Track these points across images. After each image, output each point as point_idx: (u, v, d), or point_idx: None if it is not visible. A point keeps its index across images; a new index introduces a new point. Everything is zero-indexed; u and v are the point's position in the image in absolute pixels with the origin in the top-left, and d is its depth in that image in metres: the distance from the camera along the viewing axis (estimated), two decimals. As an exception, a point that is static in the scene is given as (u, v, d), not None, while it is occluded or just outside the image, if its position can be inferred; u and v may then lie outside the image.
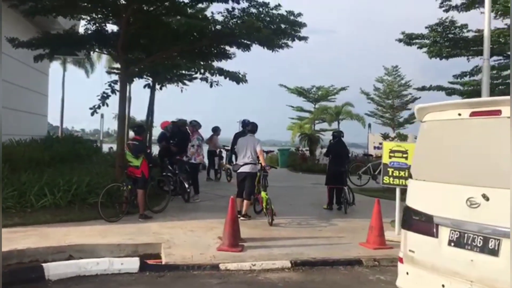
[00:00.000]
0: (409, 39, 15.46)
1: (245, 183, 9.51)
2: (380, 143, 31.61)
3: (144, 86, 17.26)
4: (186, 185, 11.06)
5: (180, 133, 12.30)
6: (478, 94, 16.41)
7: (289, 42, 10.99)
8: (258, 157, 9.47)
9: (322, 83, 38.53)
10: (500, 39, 14.85)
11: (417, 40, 15.91)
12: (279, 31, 10.25)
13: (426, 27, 14.77)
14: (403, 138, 27.04)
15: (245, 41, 10.77)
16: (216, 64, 14.84)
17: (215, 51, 11.77)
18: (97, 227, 8.10)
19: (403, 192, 8.89)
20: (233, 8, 9.72)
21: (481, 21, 15.92)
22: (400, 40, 16.37)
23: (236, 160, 9.91)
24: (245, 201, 9.58)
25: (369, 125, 34.44)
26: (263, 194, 9.39)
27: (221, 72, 14.20)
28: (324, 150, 28.99)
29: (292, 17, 9.99)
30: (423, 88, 16.64)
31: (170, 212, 9.90)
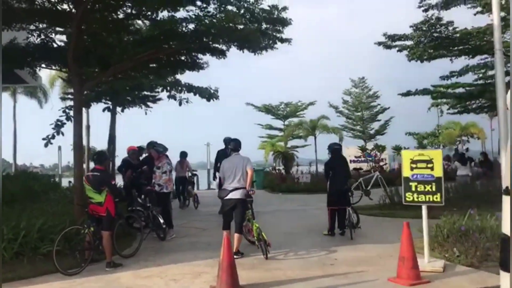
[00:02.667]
0: (391, 41, 14.41)
1: (235, 212, 7.93)
2: (358, 157, 30.73)
3: (104, 110, 15.47)
4: (161, 220, 9.27)
5: (150, 159, 10.53)
6: (471, 96, 15.63)
7: (275, 44, 9.55)
8: None
9: (289, 99, 37.11)
10: (487, 37, 14.02)
11: (398, 42, 14.90)
12: (259, 32, 8.80)
13: (410, 26, 13.77)
14: (381, 149, 26.12)
15: (222, 46, 9.26)
16: (183, 80, 13.36)
17: (185, 59, 10.18)
18: (53, 285, 6.37)
19: (430, 209, 7.62)
20: (208, 3, 8.15)
21: (462, 19, 15.29)
22: (380, 43, 15.34)
23: (218, 182, 8.39)
24: (236, 235, 7.95)
25: (340, 139, 33.40)
26: (253, 223, 7.98)
27: (190, 88, 12.65)
28: (301, 168, 28.02)
29: (276, 13, 8.57)
30: (407, 93, 15.63)
31: (144, 255, 8.10)
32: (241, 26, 8.37)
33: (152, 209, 9.43)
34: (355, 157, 29.93)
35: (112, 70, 9.47)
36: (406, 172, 6.73)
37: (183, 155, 15.12)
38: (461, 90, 15.68)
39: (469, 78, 15.44)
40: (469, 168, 15.84)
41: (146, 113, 17.63)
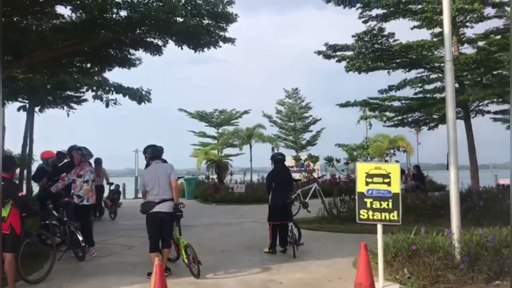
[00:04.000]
0: (333, 51, 14.10)
1: (164, 227, 7.04)
2: (290, 167, 30.49)
3: (19, 109, 13.68)
4: (80, 237, 8.00)
5: (70, 167, 9.16)
6: (410, 109, 15.67)
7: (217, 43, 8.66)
8: None
9: (223, 107, 36.30)
10: (424, 52, 14.15)
11: (338, 53, 14.65)
12: (200, 27, 7.89)
13: (353, 36, 13.54)
14: (314, 159, 26.02)
15: (157, 40, 8.21)
16: (112, 80, 12.08)
17: (114, 53, 9.00)
18: None
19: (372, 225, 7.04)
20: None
21: (401, 32, 15.35)
22: (319, 53, 15.00)
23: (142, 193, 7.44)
24: (165, 251, 7.11)
25: (272, 149, 33.03)
26: (179, 240, 7.24)
27: (119, 88, 11.42)
28: (235, 177, 27.19)
29: (220, 6, 7.70)
30: (346, 104, 15.42)
31: (58, 279, 6.87)
32: (181, 19, 7.43)
33: (70, 224, 8.15)
34: (288, 166, 29.67)
35: (27, 61, 8.07)
36: (360, 187, 6.13)
37: (98, 161, 13.59)
38: (397, 103, 15.76)
39: (406, 92, 15.55)
40: (403, 182, 15.88)
41: (68, 115, 15.91)
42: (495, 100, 14.08)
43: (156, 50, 8.75)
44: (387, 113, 17.12)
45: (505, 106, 16.42)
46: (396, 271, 6.85)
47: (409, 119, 16.49)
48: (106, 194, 14.82)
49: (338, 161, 28.02)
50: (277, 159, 9.18)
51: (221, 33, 8.61)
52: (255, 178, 25.10)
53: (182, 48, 8.35)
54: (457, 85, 13.20)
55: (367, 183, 6.07)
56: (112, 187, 15.61)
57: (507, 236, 7.21)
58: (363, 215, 6.12)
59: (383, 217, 6.02)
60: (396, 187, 5.95)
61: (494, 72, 13.56)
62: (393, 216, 5.98)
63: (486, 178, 18.65)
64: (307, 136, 39.21)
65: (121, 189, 19.87)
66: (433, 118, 15.90)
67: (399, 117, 16.48)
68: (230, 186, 20.63)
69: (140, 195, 24.95)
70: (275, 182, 8.82)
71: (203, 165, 28.01)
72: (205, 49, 8.65)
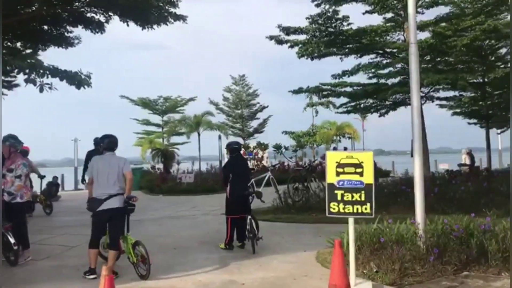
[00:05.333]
0: (286, 33, 13.59)
1: (111, 225, 6.38)
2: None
3: None
4: (11, 239, 6.98)
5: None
6: (365, 94, 15.50)
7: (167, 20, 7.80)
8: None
9: (168, 94, 35.09)
10: (376, 37, 13.98)
11: (291, 37, 14.18)
12: (150, 2, 7.02)
13: (307, 18, 13.10)
14: (264, 147, 25.65)
15: (99, 15, 7.25)
16: (47, 62, 10.86)
17: (50, 30, 7.92)
18: None
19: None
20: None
21: (353, 17, 15.08)
22: (271, 38, 14.47)
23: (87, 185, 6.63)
24: (112, 253, 6.34)
25: (219, 137, 32.42)
26: (126, 238, 6.45)
27: (55, 72, 10.29)
28: (183, 166, 26.25)
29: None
30: (299, 91, 15.03)
31: (-16, 290, 5.91)
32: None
33: (-1, 225, 7.09)
34: (226, 153, 29.15)
35: None
36: (330, 178, 5.64)
37: (25, 154, 12.28)
38: (350, 89, 15.59)
39: (358, 78, 15.39)
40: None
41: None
42: (445, 86, 14.19)
43: (98, 27, 7.77)
44: (340, 99, 16.93)
45: (451, 93, 16.74)
46: (363, 265, 6.50)
47: (361, 106, 16.38)
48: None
49: (286, 148, 27.93)
50: (233, 148, 8.55)
51: (172, 9, 7.79)
52: (203, 167, 24.35)
53: (128, 25, 7.45)
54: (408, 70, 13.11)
55: (337, 174, 5.59)
56: (51, 179, 14.37)
57: (470, 224, 7.07)
58: (334, 208, 5.64)
59: (355, 210, 5.57)
60: (369, 177, 5.51)
61: (447, 58, 13.63)
62: (366, 209, 5.55)
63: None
64: (254, 123, 38.96)
65: (59, 181, 18.51)
66: (385, 105, 15.88)
67: (352, 103, 16.33)
68: (178, 176, 19.79)
69: (80, 186, 23.61)
70: (233, 173, 8.19)
71: (148, 154, 26.93)
72: (155, 27, 7.78)
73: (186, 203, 14.99)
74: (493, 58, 17.95)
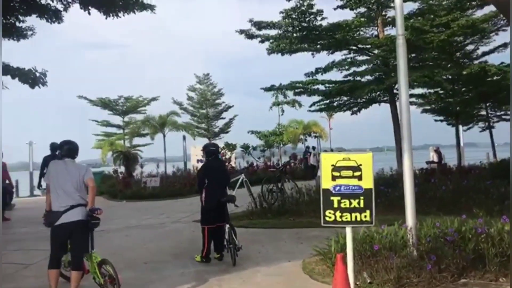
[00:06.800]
0: (257, 28, 13.00)
1: (73, 241, 5.56)
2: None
3: None
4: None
5: None
6: (340, 92, 15.06)
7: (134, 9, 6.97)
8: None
9: (129, 93, 33.68)
10: (350, 33, 13.58)
11: (261, 32, 13.58)
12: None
13: (280, 12, 12.54)
14: (232, 147, 24.92)
15: (56, 2, 6.37)
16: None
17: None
18: None
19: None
20: None
21: (324, 13, 14.63)
22: (241, 32, 13.84)
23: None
24: (75, 274, 5.51)
25: (184, 138, 31.47)
26: (91, 256, 5.66)
27: (6, 69, 9.30)
28: (146, 169, 25.17)
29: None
30: (271, 88, 14.48)
31: None
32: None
33: None
34: (202, 156, 28.32)
35: None
36: (325, 183, 5.03)
37: None
38: (321, 87, 15.15)
39: (331, 75, 15.03)
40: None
41: None
42: (419, 83, 13.96)
43: (54, 16, 6.86)
44: (308, 98, 16.43)
45: (420, 90, 16.60)
46: (354, 276, 5.94)
47: (335, 104, 15.96)
48: None
49: (254, 148, 27.29)
50: (210, 150, 7.82)
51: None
52: (169, 170, 23.39)
53: (89, 13, 6.57)
54: (384, 68, 12.78)
55: (333, 178, 4.99)
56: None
57: (462, 226, 6.66)
58: (329, 217, 5.04)
59: (353, 218, 4.99)
60: (368, 181, 4.94)
61: (423, 55, 13.38)
62: (365, 217, 4.97)
63: (389, 161, 18.65)
64: (220, 123, 38.14)
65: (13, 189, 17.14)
66: (358, 102, 15.53)
67: (326, 101, 15.88)
68: (143, 180, 18.77)
69: (36, 192, 22.15)
70: (208, 178, 7.44)
71: (108, 157, 25.70)
72: (120, 14, 6.91)
73: (152, 209, 14.08)
74: (459, 55, 18.00)
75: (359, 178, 4.95)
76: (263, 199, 12.00)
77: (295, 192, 12.55)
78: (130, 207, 15.02)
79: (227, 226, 7.30)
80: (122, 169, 23.40)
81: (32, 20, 7.59)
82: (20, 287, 6.32)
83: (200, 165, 26.64)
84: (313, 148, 25.19)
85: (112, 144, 26.15)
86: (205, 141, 35.72)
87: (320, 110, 17.17)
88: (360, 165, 4.95)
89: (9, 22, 7.14)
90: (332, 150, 22.85)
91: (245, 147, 25.82)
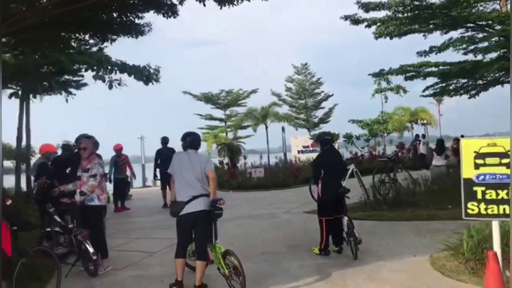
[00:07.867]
0: (365, 11, 12.37)
1: (196, 231, 5.62)
2: (306, 147, 28.80)
3: (10, 96, 12.11)
4: (89, 248, 6.41)
5: (76, 159, 7.50)
6: (460, 73, 13.93)
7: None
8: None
9: (230, 87, 34.48)
10: (467, 9, 12.37)
11: (368, 16, 12.91)
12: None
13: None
14: (335, 137, 24.33)
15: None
16: (115, 58, 10.42)
17: (119, 18, 7.28)
18: None
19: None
20: None
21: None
22: (346, 18, 13.29)
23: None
24: (199, 263, 5.53)
25: (283, 129, 31.58)
26: (214, 246, 5.63)
27: (123, 67, 9.81)
28: (249, 160, 25.65)
29: None
30: (379, 73, 13.78)
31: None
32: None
33: (76, 232, 6.56)
34: (303, 147, 28.14)
35: (9, 26, 6.27)
36: (467, 172, 4.50)
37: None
38: (433, 69, 14.04)
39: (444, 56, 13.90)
40: (445, 157, 14.22)
41: (67, 101, 14.40)
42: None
43: (170, 10, 7.01)
44: (414, 83, 15.38)
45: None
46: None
47: (451, 87, 14.72)
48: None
49: (358, 138, 26.36)
50: (325, 139, 7.49)
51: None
52: (272, 161, 23.52)
53: (204, 5, 6.62)
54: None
55: (476, 166, 4.44)
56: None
57: None
58: (472, 210, 4.50)
59: (501, 211, 4.40)
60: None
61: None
62: (516, 210, 4.35)
63: None
64: (319, 113, 37.60)
65: (129, 179, 18.38)
66: (477, 84, 14.14)
67: (442, 85, 14.70)
68: (248, 171, 19.04)
69: (148, 183, 23.59)
70: (325, 168, 7.14)
71: (213, 149, 26.56)
72: (235, 2, 6.88)
73: (260, 199, 14.17)
74: None
75: (508, 166, 4.33)
76: (376, 190, 11.43)
77: (410, 182, 11.80)
78: (238, 198, 15.27)
79: (346, 218, 6.96)
80: (226, 160, 24.03)
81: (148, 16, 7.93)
82: (147, 275, 6.54)
83: (301, 156, 26.42)
84: (423, 136, 23.67)
85: (216, 137, 27.00)
86: (304, 132, 35.46)
87: (435, 94, 15.93)
88: (509, 151, 4.33)
89: (129, 20, 7.49)
90: (441, 138, 21.20)
91: (348, 137, 25.12)
